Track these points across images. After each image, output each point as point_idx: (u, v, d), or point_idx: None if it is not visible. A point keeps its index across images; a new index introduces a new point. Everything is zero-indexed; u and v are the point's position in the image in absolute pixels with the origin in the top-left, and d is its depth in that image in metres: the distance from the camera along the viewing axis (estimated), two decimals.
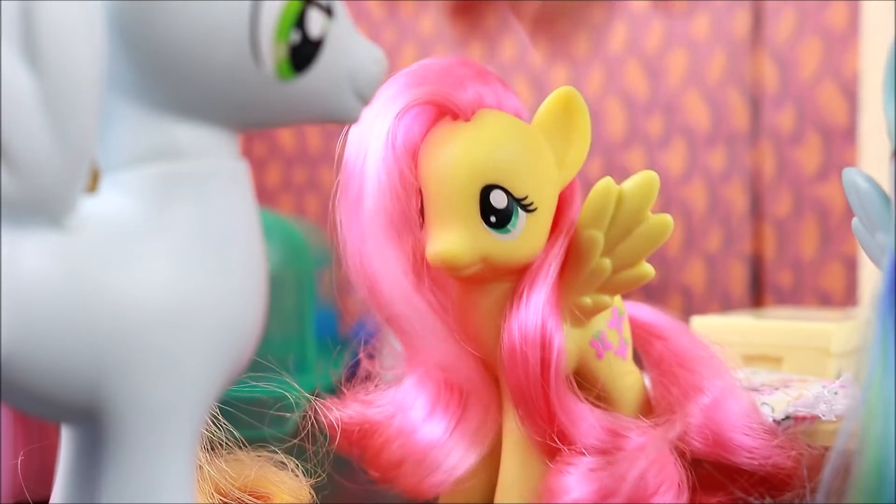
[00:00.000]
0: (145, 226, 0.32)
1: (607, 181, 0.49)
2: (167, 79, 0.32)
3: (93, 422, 0.32)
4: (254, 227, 0.34)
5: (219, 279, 0.32)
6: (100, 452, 0.32)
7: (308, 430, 0.53)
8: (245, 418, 0.50)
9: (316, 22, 0.32)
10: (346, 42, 0.34)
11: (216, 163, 0.33)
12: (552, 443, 0.48)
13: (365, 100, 0.35)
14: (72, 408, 0.32)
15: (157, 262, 0.31)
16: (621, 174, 0.50)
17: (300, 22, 0.32)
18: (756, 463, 0.50)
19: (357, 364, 0.56)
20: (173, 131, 0.32)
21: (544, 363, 0.48)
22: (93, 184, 0.33)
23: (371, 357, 0.56)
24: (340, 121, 0.36)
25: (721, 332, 0.83)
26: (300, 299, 0.85)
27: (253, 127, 0.36)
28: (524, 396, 0.49)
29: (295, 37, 0.32)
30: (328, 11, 0.33)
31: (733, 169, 1.42)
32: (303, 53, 0.32)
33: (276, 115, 0.34)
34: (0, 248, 0.29)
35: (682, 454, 0.48)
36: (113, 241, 0.31)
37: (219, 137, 0.33)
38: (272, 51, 0.31)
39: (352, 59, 0.34)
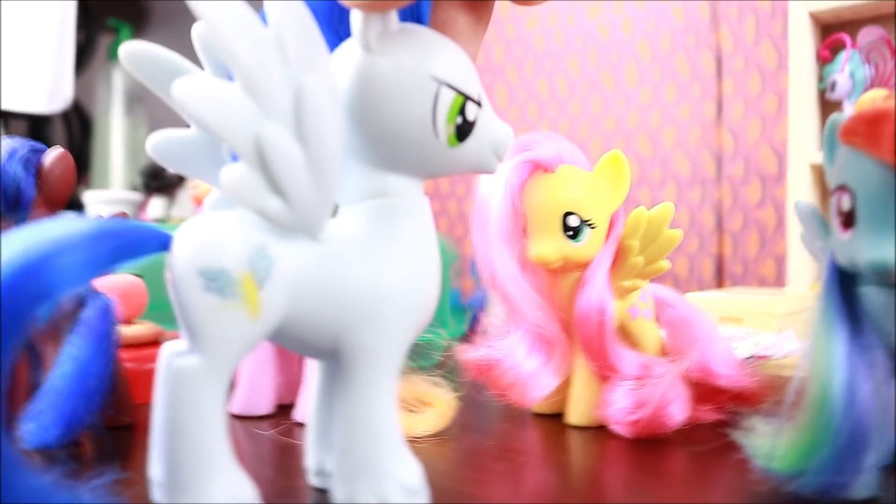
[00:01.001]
0: (367, 238, 0.32)
1: (641, 209, 0.48)
2: (381, 147, 0.32)
3: (335, 359, 0.32)
4: (433, 240, 0.34)
5: (413, 272, 0.32)
6: (339, 377, 0.32)
7: (453, 363, 0.53)
8: (414, 355, 0.50)
9: (472, 110, 0.32)
10: (489, 122, 0.33)
11: (410, 199, 0.33)
12: (605, 373, 0.48)
13: (500, 159, 0.34)
14: (323, 350, 0.32)
15: (375, 260, 0.31)
16: (634, 206, 0.50)
17: (462, 111, 0.31)
18: (733, 385, 0.49)
19: (477, 322, 0.56)
20: (384, 180, 0.32)
21: (601, 323, 0.47)
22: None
23: (487, 318, 0.56)
24: (485, 172, 0.35)
25: (703, 303, 0.82)
26: (442, 282, 0.85)
27: (432, 177, 0.35)
28: (588, 344, 0.48)
29: (459, 120, 0.31)
30: (479, 103, 0.32)
31: (705, 201, 1.40)
32: (463, 130, 0.32)
33: (446, 169, 0.34)
34: (281, 252, 0.30)
35: (686, 380, 0.47)
36: (349, 247, 0.31)
37: (412, 183, 0.33)
38: (445, 129, 0.31)
39: (493, 133, 0.33)
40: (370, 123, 0.31)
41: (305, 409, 0.50)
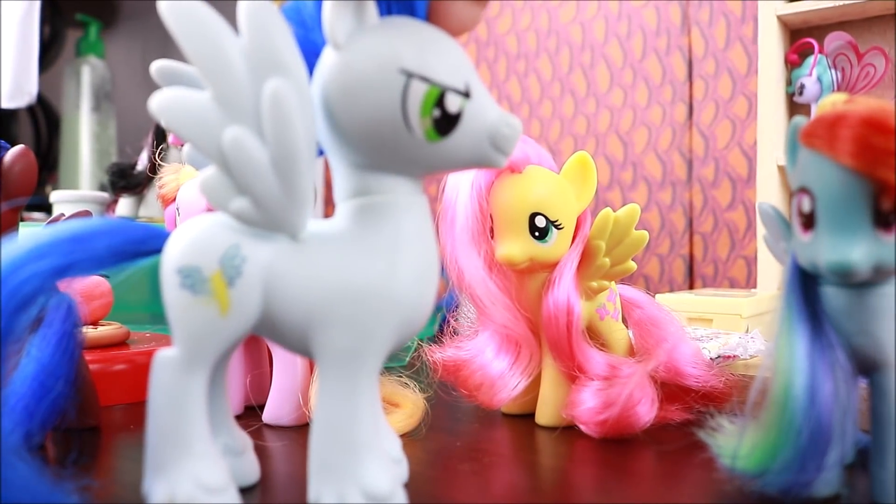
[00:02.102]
0: (347, 236, 0.31)
1: (607, 210, 0.49)
2: (358, 147, 0.31)
3: (312, 357, 0.32)
4: (426, 238, 0.32)
5: (395, 272, 0.31)
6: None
7: (421, 364, 0.53)
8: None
9: (453, 102, 0.30)
10: (482, 112, 0.31)
11: (393, 197, 0.32)
12: (573, 373, 0.48)
13: (504, 153, 0.32)
14: (297, 347, 0.32)
15: (350, 259, 0.31)
16: (607, 206, 0.49)
17: (440, 102, 0.30)
18: (700, 385, 0.49)
19: (448, 323, 0.56)
20: (368, 179, 0.32)
21: (568, 324, 0.47)
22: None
23: (456, 319, 0.56)
24: (488, 167, 0.33)
25: (673, 303, 0.82)
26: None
27: (425, 173, 0.33)
28: (556, 344, 0.48)
29: (436, 113, 0.30)
30: (465, 94, 0.31)
31: (676, 203, 1.40)
32: (444, 123, 0.30)
33: (436, 166, 0.32)
34: (251, 250, 0.30)
35: (654, 380, 0.47)
36: (325, 245, 0.31)
37: (398, 181, 0.32)
38: (420, 123, 0.30)
39: (487, 124, 0.31)
40: (343, 123, 0.31)
41: (273, 410, 0.50)
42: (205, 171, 0.29)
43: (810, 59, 1.11)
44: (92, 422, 0.48)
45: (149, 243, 0.33)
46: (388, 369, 0.50)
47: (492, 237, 0.49)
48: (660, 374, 0.48)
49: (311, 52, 0.32)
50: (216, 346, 0.31)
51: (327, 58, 0.31)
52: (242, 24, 0.29)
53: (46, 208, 1.47)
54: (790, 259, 0.35)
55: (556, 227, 0.48)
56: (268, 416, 0.50)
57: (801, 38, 1.15)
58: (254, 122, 0.29)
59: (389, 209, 0.32)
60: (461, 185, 0.48)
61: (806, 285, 0.35)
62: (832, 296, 0.34)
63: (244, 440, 0.37)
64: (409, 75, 0.30)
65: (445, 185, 0.50)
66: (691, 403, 0.49)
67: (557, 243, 0.48)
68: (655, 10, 1.44)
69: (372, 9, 0.31)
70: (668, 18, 1.42)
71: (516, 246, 0.47)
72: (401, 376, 0.51)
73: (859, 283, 0.33)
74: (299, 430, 0.49)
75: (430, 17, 0.32)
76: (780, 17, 1.13)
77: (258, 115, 0.29)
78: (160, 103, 0.28)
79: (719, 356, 0.60)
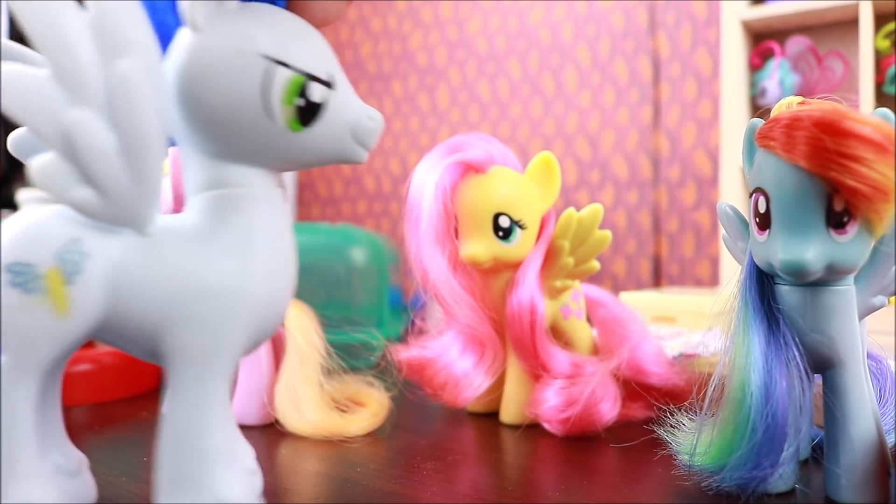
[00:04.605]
0: (199, 231, 0.30)
1: (571, 210, 0.49)
2: (213, 135, 0.29)
3: (157, 361, 0.30)
4: (282, 234, 0.31)
5: (248, 269, 0.29)
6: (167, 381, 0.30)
7: (387, 363, 0.52)
8: (348, 355, 0.50)
9: (317, 91, 0.29)
10: (345, 104, 0.30)
11: (250, 190, 0.30)
12: (537, 371, 0.48)
13: (366, 147, 0.31)
14: (145, 351, 0.30)
15: (204, 255, 0.29)
16: (575, 207, 0.49)
17: (303, 91, 0.29)
18: (662, 383, 0.49)
19: (414, 323, 0.56)
20: (221, 170, 0.30)
21: (532, 323, 0.47)
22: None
23: (423, 319, 0.55)
24: (349, 162, 0.32)
25: (637, 302, 0.83)
26: (379, 282, 0.85)
27: (284, 167, 0.31)
28: (520, 343, 0.48)
29: (299, 101, 0.29)
30: (329, 84, 0.30)
31: (642, 203, 1.41)
32: (307, 113, 0.29)
33: (297, 158, 0.31)
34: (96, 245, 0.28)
35: (616, 378, 0.47)
36: (176, 241, 0.29)
37: (255, 173, 0.30)
38: (282, 111, 0.29)
39: (350, 117, 0.30)
40: (199, 108, 0.29)
41: (239, 409, 0.50)
42: (41, 158, 0.26)
43: (772, 63, 1.12)
44: None
45: None
46: (353, 369, 0.49)
47: (456, 237, 0.49)
48: (622, 373, 0.48)
49: (163, 35, 0.30)
50: (50, 352, 0.28)
51: (183, 40, 0.29)
52: None
53: (15, 207, 1.45)
54: (747, 258, 0.36)
55: (520, 226, 0.48)
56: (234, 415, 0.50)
57: (762, 41, 1.16)
58: (100, 104, 0.27)
59: (243, 202, 0.30)
60: (426, 186, 0.48)
61: (762, 284, 0.35)
62: (787, 294, 0.34)
63: (79, 459, 0.33)
64: (272, 61, 0.28)
65: (410, 185, 0.49)
66: (653, 401, 0.49)
67: (521, 243, 0.48)
68: (623, 12, 1.44)
69: None
70: (635, 21, 1.43)
71: (480, 246, 0.47)
72: (366, 375, 0.50)
73: (813, 282, 0.33)
74: (265, 430, 0.48)
75: (291, 7, 0.31)
76: (743, 22, 1.14)
77: (105, 98, 0.27)
78: None
79: (681, 354, 0.60)
